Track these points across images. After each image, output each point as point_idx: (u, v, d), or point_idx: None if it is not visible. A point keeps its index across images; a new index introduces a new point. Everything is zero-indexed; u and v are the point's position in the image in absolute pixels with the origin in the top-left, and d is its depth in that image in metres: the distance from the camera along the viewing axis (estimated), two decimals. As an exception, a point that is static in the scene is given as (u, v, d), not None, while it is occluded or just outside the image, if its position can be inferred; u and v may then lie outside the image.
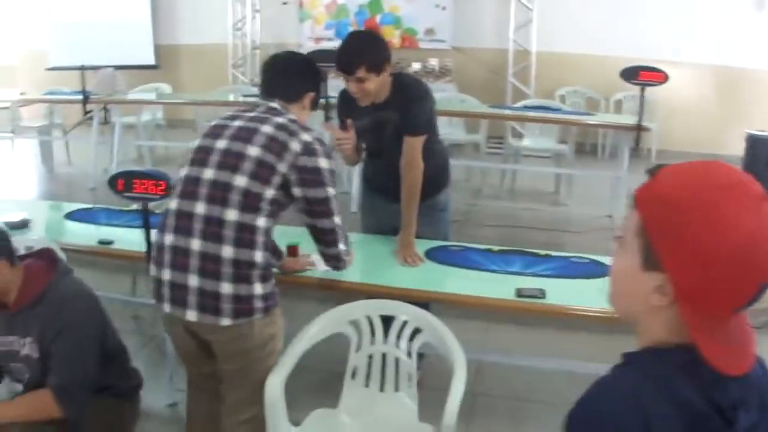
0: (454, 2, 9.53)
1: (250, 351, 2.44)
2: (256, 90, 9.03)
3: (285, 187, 2.40)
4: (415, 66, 9.62)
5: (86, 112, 8.32)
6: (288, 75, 2.67)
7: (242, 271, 2.33)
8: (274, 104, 2.55)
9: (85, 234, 3.69)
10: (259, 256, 2.36)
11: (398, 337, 2.70)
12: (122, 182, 3.07)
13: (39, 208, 4.47)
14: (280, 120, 2.45)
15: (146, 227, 3.14)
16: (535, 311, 2.77)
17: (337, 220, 2.52)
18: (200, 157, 2.43)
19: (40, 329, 2.47)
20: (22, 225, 3.61)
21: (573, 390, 1.16)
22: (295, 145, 2.39)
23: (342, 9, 10.22)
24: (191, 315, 2.35)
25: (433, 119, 3.35)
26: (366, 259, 2.88)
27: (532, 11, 9.19)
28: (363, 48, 3.09)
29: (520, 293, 2.77)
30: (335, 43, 9.70)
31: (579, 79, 8.96)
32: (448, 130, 7.24)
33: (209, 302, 2.33)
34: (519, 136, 7.75)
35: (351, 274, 2.92)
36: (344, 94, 3.30)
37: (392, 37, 9.97)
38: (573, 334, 3.96)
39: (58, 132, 9.42)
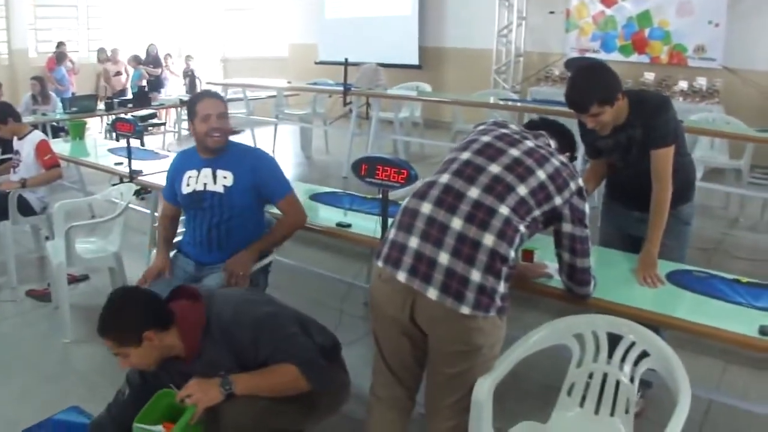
0: (728, 19, 8.98)
1: (480, 348, 2.39)
2: (515, 96, 9.08)
3: (550, 217, 2.49)
4: (682, 84, 9.17)
5: (346, 103, 8.72)
6: (555, 135, 2.74)
7: (495, 264, 2.31)
8: (553, 143, 2.67)
9: (326, 215, 3.88)
10: (512, 254, 2.37)
11: (623, 359, 2.57)
12: (366, 167, 3.17)
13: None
14: (563, 159, 2.56)
15: (384, 215, 3.21)
16: (778, 353, 2.49)
17: (591, 261, 2.64)
18: (490, 153, 2.50)
19: (230, 354, 2.55)
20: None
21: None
22: (573, 185, 2.50)
23: (610, 20, 9.99)
24: (432, 293, 2.31)
25: (678, 129, 3.22)
26: (601, 273, 2.77)
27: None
28: (591, 84, 3.03)
29: (764, 331, 2.52)
30: (599, 56, 9.59)
31: None
32: (709, 153, 6.91)
33: (454, 285, 2.29)
34: (787, 167, 7.16)
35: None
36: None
37: (660, 52, 9.60)
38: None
39: (318, 121, 9.97)
